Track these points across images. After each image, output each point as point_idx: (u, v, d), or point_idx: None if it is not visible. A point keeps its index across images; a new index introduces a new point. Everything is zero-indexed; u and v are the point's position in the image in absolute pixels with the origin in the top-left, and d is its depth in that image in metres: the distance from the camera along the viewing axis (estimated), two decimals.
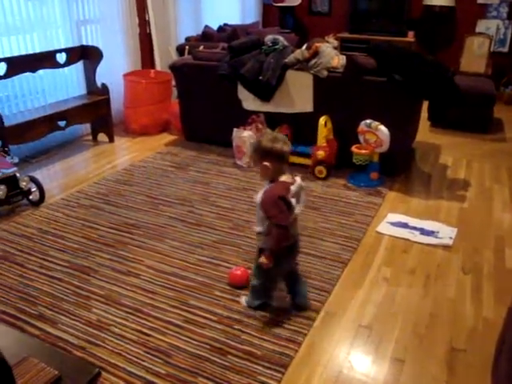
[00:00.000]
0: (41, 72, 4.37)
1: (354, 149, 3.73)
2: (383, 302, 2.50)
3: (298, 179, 2.18)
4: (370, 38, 6.16)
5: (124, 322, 2.34)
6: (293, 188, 2.12)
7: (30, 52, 4.28)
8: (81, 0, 4.64)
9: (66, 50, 4.46)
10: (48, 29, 4.43)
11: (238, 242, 2.99)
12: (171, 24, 5.37)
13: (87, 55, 4.61)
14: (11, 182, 3.37)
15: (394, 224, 3.22)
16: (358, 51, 4.19)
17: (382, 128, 3.57)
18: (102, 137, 4.87)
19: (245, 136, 3.98)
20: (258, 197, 2.14)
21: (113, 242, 3.03)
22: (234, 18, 6.69)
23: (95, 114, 4.62)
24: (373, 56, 3.80)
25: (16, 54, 4.18)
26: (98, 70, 4.65)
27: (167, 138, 4.94)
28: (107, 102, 4.65)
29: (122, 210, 3.43)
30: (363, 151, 3.70)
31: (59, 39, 4.55)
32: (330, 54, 3.90)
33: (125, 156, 4.52)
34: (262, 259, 2.17)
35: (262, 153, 2.10)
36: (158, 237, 3.08)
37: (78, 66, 4.68)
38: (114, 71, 4.96)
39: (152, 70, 5.26)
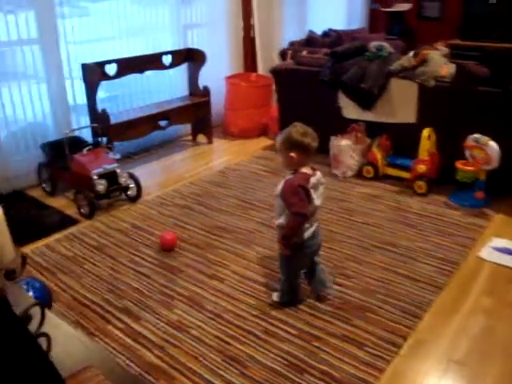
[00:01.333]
0: (147, 73, 4.55)
1: (458, 165, 3.46)
2: (480, 336, 2.27)
3: (318, 173, 2.27)
4: (485, 46, 5.73)
5: (204, 325, 2.33)
6: (312, 180, 2.20)
7: (139, 54, 4.47)
8: (189, 5, 4.79)
9: (171, 53, 4.61)
10: (157, 32, 4.61)
11: (326, 255, 2.88)
12: (275, 28, 5.38)
13: (192, 58, 4.73)
14: (112, 177, 3.52)
15: (498, 250, 2.94)
16: (471, 60, 3.89)
17: (492, 144, 3.29)
18: (201, 138, 4.98)
19: (343, 145, 3.86)
20: (279, 187, 2.24)
21: (202, 243, 3.05)
22: (340, 23, 6.55)
23: (196, 115, 4.73)
24: (487, 64, 3.52)
25: (126, 55, 4.39)
26: (202, 72, 4.76)
27: (264, 142, 4.93)
28: (208, 103, 4.74)
29: (213, 212, 3.45)
30: (469, 168, 3.42)
31: (166, 42, 4.71)
32: (439, 62, 3.67)
33: (221, 158, 4.57)
34: (281, 249, 2.31)
35: (290, 144, 2.20)
36: (245, 242, 3.06)
37: (182, 68, 4.82)
38: (216, 74, 5.05)
39: (254, 74, 5.30)
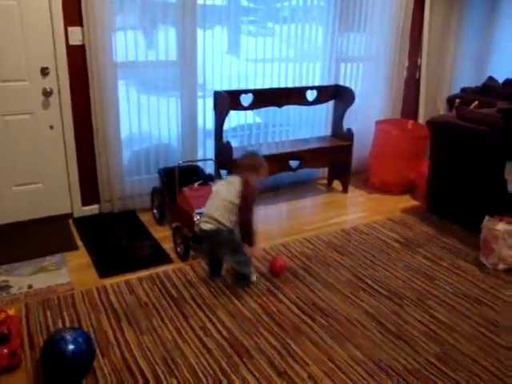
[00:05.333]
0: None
1: None
2: None
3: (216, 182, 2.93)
4: None
5: None
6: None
7: (282, 83, 4.11)
8: (347, 36, 4.25)
9: (318, 88, 4.13)
10: (305, 62, 4.17)
11: None
12: (446, 70, 4.58)
13: (339, 96, 4.19)
14: None
15: None
16: None
17: None
18: (336, 184, 4.41)
19: (499, 229, 2.97)
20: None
21: (287, 323, 2.49)
22: None
23: (333, 159, 4.19)
24: None
25: (269, 83, 4.05)
26: (349, 110, 4.20)
27: (407, 202, 4.17)
28: (349, 148, 4.15)
29: (317, 284, 2.86)
30: None
31: (315, 74, 4.24)
32: None
33: (351, 214, 3.95)
34: None
35: None
36: (340, 336, 2.41)
37: (329, 105, 4.31)
38: (366, 115, 4.46)
39: (410, 122, 4.55)
